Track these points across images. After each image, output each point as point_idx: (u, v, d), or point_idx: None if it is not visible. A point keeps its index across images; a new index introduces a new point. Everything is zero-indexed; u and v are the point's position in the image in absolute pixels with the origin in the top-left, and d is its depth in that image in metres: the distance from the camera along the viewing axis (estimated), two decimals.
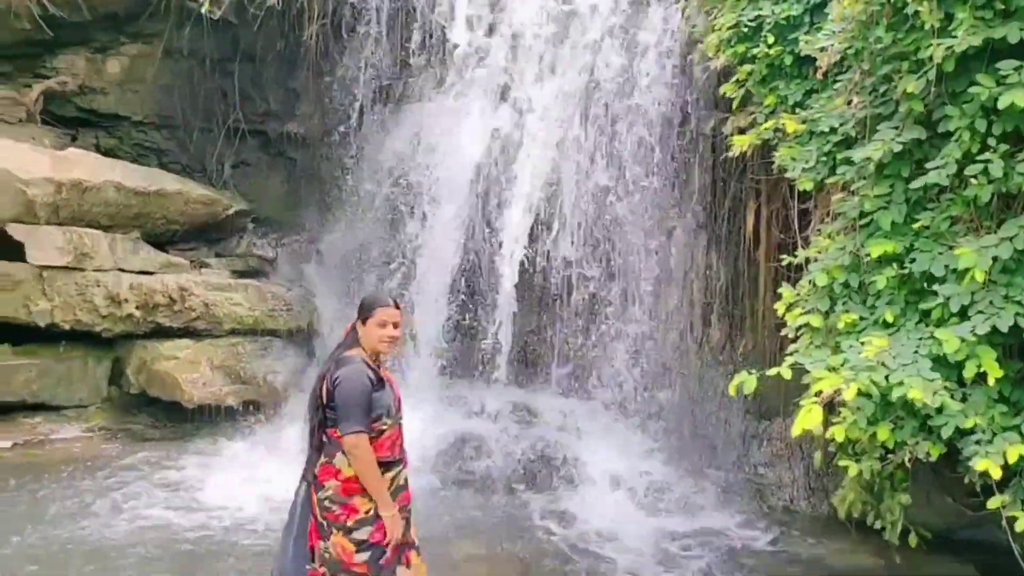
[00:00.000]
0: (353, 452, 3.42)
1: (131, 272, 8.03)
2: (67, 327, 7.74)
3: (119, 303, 7.81)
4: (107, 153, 9.06)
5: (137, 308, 7.86)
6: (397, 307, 3.65)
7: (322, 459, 3.53)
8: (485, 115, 8.03)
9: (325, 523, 3.49)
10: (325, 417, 3.53)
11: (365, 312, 3.60)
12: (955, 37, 4.23)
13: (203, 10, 8.18)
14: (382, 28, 8.58)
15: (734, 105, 6.45)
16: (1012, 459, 3.82)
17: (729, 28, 6.30)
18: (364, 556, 3.45)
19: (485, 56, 8.21)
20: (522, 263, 7.62)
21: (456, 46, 8.25)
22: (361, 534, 3.45)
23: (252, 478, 6.61)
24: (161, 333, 8.02)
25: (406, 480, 3.65)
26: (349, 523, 3.46)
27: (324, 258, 9.09)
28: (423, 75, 8.49)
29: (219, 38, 8.80)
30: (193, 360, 7.92)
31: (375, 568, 3.46)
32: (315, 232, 9.34)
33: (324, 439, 3.55)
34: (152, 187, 8.36)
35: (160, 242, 8.64)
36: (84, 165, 8.10)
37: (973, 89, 4.20)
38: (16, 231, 7.65)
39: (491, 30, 8.36)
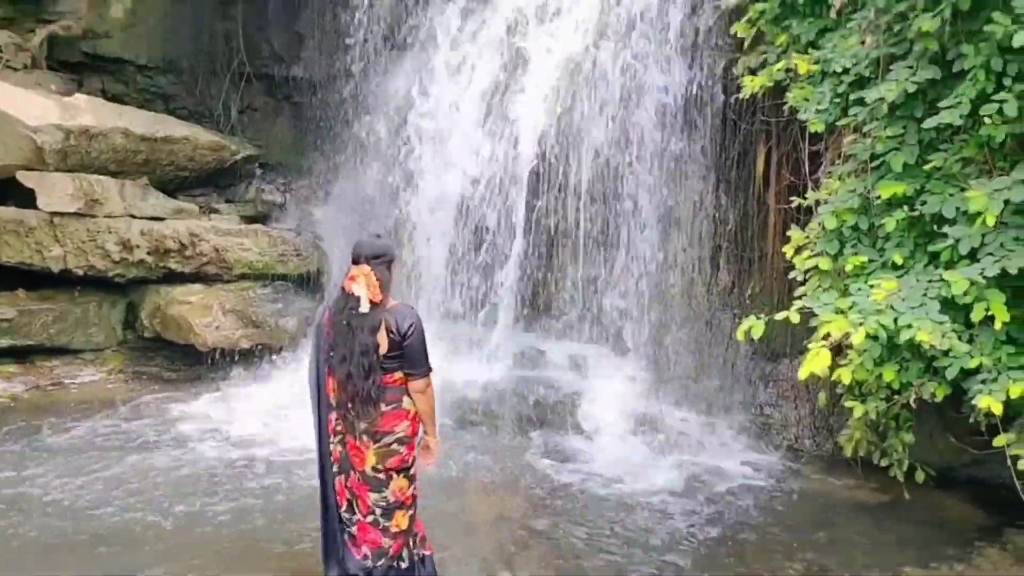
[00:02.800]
0: (427, 391, 3.60)
1: (142, 218, 8.05)
2: (81, 273, 7.80)
3: (130, 249, 7.85)
4: (113, 98, 9.01)
5: (148, 254, 7.91)
6: None
7: (385, 408, 3.55)
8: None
9: (383, 475, 3.56)
10: (383, 367, 3.54)
11: (390, 257, 3.66)
12: None
13: None
14: None
15: (746, 45, 6.37)
16: (1015, 394, 3.88)
17: None
18: (413, 487, 3.67)
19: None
20: (529, 202, 7.60)
21: None
22: (413, 468, 3.66)
23: (269, 416, 6.82)
24: (173, 278, 8.08)
25: None
26: (409, 460, 3.63)
27: (332, 202, 9.09)
28: (429, 19, 8.36)
29: None
30: (205, 305, 7.99)
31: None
32: (323, 176, 9.33)
33: (380, 388, 3.54)
34: (159, 133, 8.34)
35: (170, 189, 8.65)
36: (91, 111, 8.05)
37: (989, 27, 4.15)
38: (26, 178, 7.66)
39: None
